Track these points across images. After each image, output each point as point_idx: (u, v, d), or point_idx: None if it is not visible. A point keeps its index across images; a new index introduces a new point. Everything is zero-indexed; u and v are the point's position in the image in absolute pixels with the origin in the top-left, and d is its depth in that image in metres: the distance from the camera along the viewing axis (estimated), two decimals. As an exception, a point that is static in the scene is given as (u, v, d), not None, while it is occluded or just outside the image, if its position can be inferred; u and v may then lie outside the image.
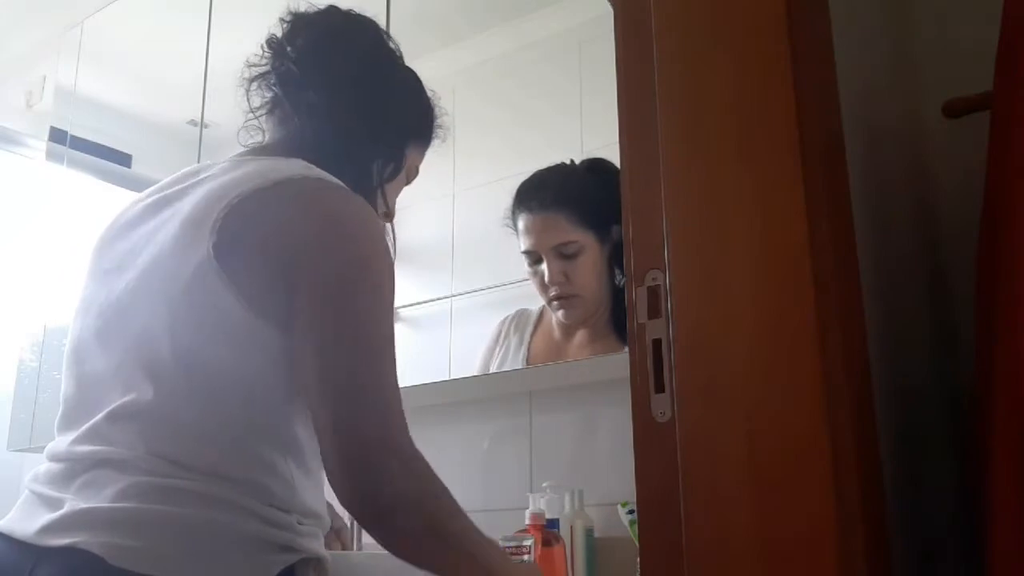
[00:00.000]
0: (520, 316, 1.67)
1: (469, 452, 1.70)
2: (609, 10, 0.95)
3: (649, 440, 0.81)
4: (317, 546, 1.04)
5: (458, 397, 1.75)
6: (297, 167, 1.03)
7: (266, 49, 1.16)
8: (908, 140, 1.20)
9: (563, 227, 1.52)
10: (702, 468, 0.77)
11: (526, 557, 1.32)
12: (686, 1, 0.88)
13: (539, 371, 1.64)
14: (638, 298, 0.84)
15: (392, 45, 1.23)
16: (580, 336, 1.59)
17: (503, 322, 1.70)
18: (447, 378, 1.75)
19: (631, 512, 1.36)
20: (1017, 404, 0.84)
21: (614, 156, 0.91)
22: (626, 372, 0.84)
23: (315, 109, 1.12)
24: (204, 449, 0.95)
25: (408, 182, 1.27)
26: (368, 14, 1.24)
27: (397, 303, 2.00)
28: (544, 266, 1.51)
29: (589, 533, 1.44)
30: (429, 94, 1.27)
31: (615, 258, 1.49)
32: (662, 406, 0.80)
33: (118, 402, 0.97)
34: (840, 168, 0.93)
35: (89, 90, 2.64)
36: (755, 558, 0.73)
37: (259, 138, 1.17)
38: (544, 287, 1.54)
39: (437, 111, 1.27)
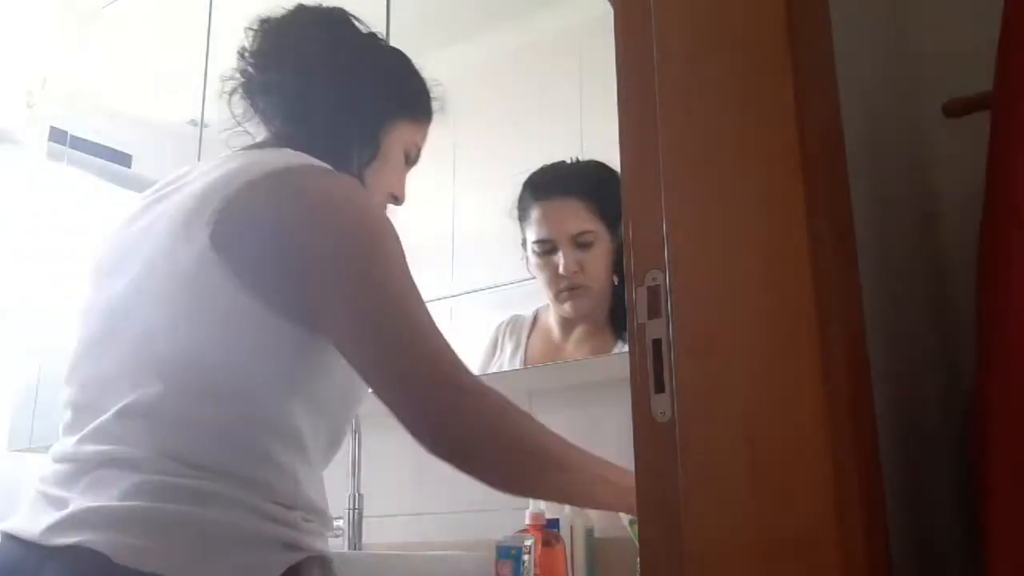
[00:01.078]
0: (515, 322, 1.67)
1: (469, 452, 1.70)
2: (609, 10, 0.95)
3: (649, 440, 0.81)
4: (322, 545, 1.04)
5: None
6: (285, 156, 1.06)
7: (237, 59, 1.20)
8: (908, 140, 1.20)
9: (582, 215, 1.51)
10: (702, 468, 0.77)
11: (526, 558, 1.32)
12: (687, 1, 0.88)
13: (539, 371, 1.64)
14: (638, 298, 0.84)
15: (363, 28, 1.25)
16: (578, 332, 1.58)
17: (498, 328, 1.70)
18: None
19: (631, 512, 1.36)
20: (1018, 404, 0.84)
21: (614, 156, 0.91)
22: (626, 372, 0.84)
23: (286, 111, 1.16)
24: (213, 447, 0.95)
25: (410, 163, 1.28)
26: (369, 14, 1.25)
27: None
28: (559, 256, 1.51)
29: (589, 533, 1.44)
30: (416, 69, 1.29)
31: (617, 255, 1.49)
32: (662, 406, 0.80)
33: (126, 400, 0.97)
34: (840, 168, 0.93)
35: (89, 90, 2.64)
36: (755, 558, 0.73)
37: (247, 140, 1.20)
38: (556, 278, 1.52)
39: (429, 84, 1.30)
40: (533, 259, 1.56)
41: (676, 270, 0.82)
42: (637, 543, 0.86)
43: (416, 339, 0.98)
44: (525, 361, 1.61)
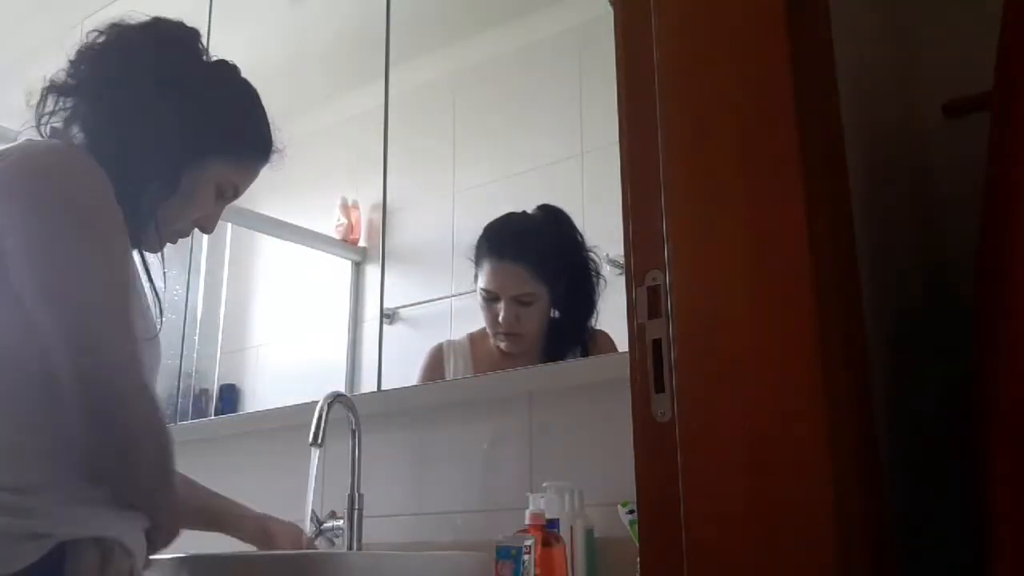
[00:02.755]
0: (453, 344, 1.81)
1: (469, 452, 1.70)
2: (609, 10, 0.95)
3: (649, 440, 0.81)
4: (95, 527, 1.00)
5: (458, 397, 1.75)
6: (35, 141, 1.07)
7: (67, 61, 1.18)
8: (908, 140, 1.20)
9: (524, 280, 1.70)
10: (702, 468, 0.77)
11: (526, 558, 1.32)
12: (686, 1, 0.88)
13: (539, 371, 1.64)
14: (638, 298, 0.84)
15: (208, 60, 1.23)
16: (518, 360, 1.73)
17: (441, 347, 1.81)
18: (447, 378, 1.75)
19: (631, 512, 1.36)
20: (1018, 403, 0.84)
21: (614, 156, 0.91)
22: (626, 372, 0.84)
23: (90, 122, 1.15)
24: None
25: (225, 200, 1.26)
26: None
27: (397, 303, 2.01)
28: (501, 307, 1.70)
29: (589, 533, 1.44)
30: (258, 109, 1.26)
31: (555, 301, 1.69)
32: (662, 406, 0.80)
33: None
34: (840, 168, 0.93)
35: (89, 90, 2.65)
36: (755, 558, 0.73)
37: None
38: (495, 323, 1.72)
39: (266, 130, 1.27)
40: (480, 300, 1.74)
41: (676, 270, 0.82)
42: (637, 543, 0.86)
43: (109, 349, 0.98)
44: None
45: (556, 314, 1.69)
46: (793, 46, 0.80)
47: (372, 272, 1.98)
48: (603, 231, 1.62)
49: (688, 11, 0.87)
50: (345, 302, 2.03)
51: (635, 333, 0.84)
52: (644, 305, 0.83)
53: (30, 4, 2.72)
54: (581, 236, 1.65)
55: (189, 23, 1.24)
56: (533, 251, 1.72)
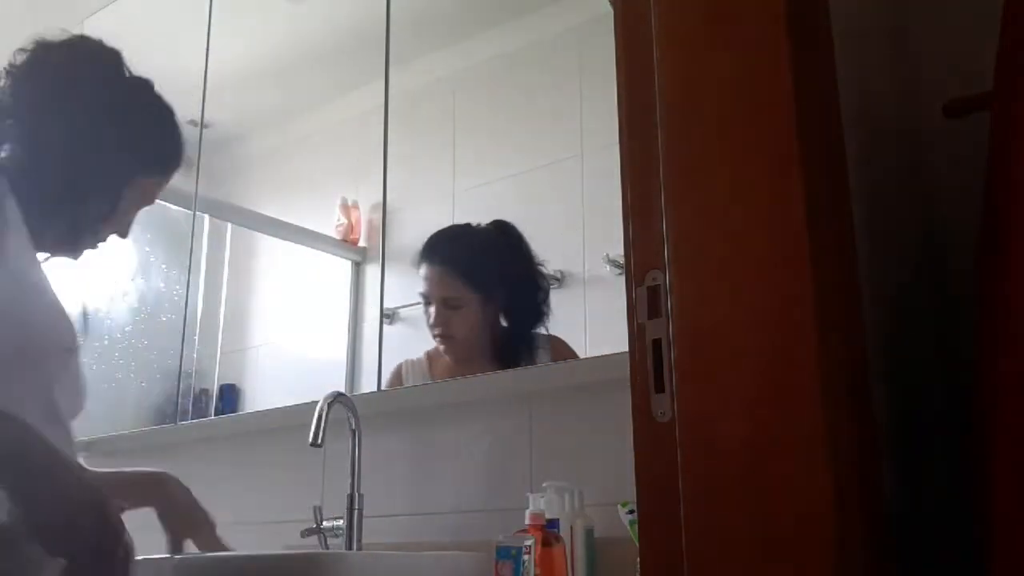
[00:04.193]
0: (411, 362, 1.88)
1: (469, 452, 1.70)
2: (609, 10, 0.95)
3: (649, 440, 0.81)
4: None
5: (458, 397, 1.75)
6: None
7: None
8: (908, 140, 1.20)
9: (451, 284, 1.82)
10: (702, 468, 0.77)
11: (526, 558, 1.32)
12: (686, 1, 0.88)
13: (539, 371, 1.64)
14: (638, 298, 0.84)
15: (129, 77, 1.28)
16: (473, 367, 1.80)
17: (400, 367, 1.87)
18: (447, 378, 1.75)
19: (631, 512, 1.36)
20: (1019, 403, 0.84)
21: (614, 156, 0.91)
22: (626, 372, 0.84)
23: (28, 144, 1.17)
24: None
25: (144, 205, 1.32)
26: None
27: (397, 303, 2.01)
28: (432, 309, 1.81)
29: (589, 533, 1.44)
30: (174, 125, 1.33)
31: (504, 311, 1.78)
32: (662, 406, 0.80)
33: None
34: (840, 168, 0.93)
35: (89, 90, 2.64)
36: (755, 558, 0.73)
37: None
38: (430, 326, 1.82)
39: (182, 142, 1.34)
40: (422, 303, 1.84)
41: (676, 270, 0.82)
42: (637, 543, 0.86)
43: None
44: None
45: (505, 323, 1.77)
46: (793, 46, 0.80)
47: (372, 272, 1.98)
48: (603, 231, 1.62)
49: (688, 11, 0.87)
50: (345, 302, 2.03)
51: (635, 333, 0.84)
52: (644, 305, 0.83)
53: (29, 4, 2.72)
54: (528, 248, 1.72)
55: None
56: (462, 257, 1.83)
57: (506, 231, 1.77)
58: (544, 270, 1.70)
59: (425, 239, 1.86)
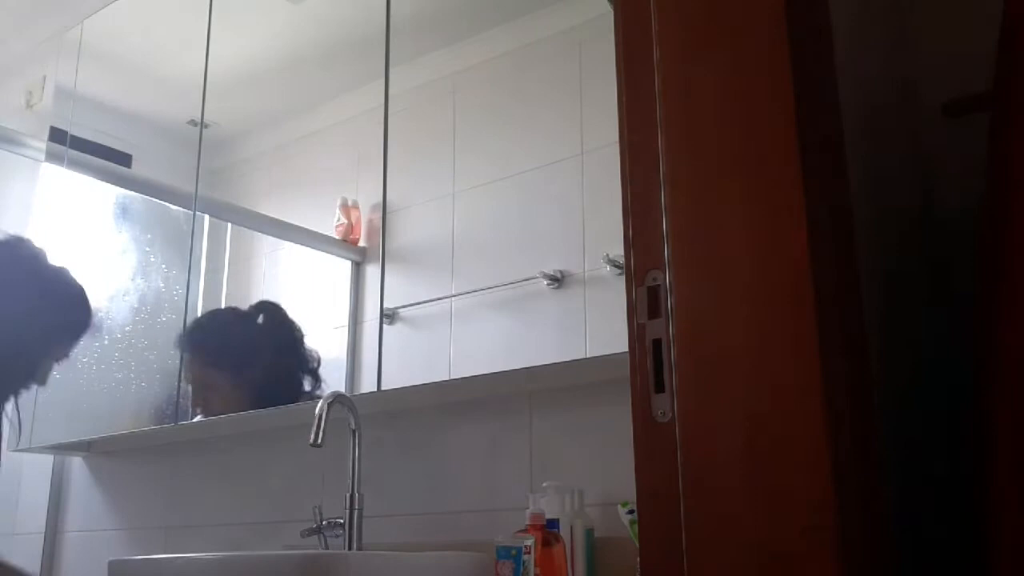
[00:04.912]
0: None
1: (469, 452, 1.70)
2: (609, 10, 0.95)
3: (649, 440, 0.81)
4: None
5: (458, 397, 1.75)
6: None
7: None
8: (908, 140, 1.20)
9: (199, 369, 2.15)
10: (702, 468, 0.77)
11: (526, 558, 1.32)
12: (686, 1, 0.88)
13: (539, 371, 1.64)
14: (638, 298, 0.84)
15: (52, 266, 1.59)
16: None
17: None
18: (447, 378, 1.75)
19: (631, 512, 1.36)
20: (1018, 403, 0.84)
21: (614, 156, 0.91)
22: (626, 372, 0.84)
23: None
24: None
25: (61, 360, 1.72)
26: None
27: (397, 303, 2.02)
28: (190, 389, 2.13)
29: (589, 533, 1.44)
30: (84, 298, 1.70)
31: (260, 388, 2.03)
32: (662, 406, 0.80)
33: None
34: (840, 168, 0.93)
35: (89, 90, 2.64)
36: (755, 558, 0.73)
37: None
38: (191, 405, 2.12)
39: (89, 315, 1.73)
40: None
41: (676, 270, 0.82)
42: (637, 543, 0.86)
43: None
44: None
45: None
46: (793, 46, 0.80)
47: (372, 272, 1.98)
48: (603, 231, 1.62)
49: (688, 11, 0.87)
50: (345, 302, 2.03)
51: (635, 333, 0.84)
52: (644, 305, 0.83)
53: (30, 4, 2.72)
54: (290, 326, 2.04)
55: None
56: (202, 344, 2.19)
57: (271, 312, 2.07)
58: (307, 346, 1.96)
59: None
